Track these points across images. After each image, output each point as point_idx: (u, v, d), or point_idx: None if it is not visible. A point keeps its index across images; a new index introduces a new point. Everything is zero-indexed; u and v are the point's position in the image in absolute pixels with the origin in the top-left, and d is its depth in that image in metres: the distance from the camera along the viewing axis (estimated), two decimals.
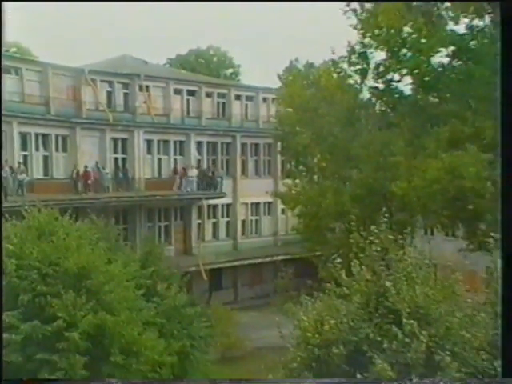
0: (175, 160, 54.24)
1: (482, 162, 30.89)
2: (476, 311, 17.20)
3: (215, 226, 57.37)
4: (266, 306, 44.37)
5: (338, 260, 18.45)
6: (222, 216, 57.76)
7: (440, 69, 34.79)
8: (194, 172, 52.85)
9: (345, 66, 36.57)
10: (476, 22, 34.10)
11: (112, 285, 25.17)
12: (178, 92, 55.37)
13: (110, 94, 51.04)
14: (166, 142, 53.96)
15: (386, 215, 21.52)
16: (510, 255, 10.64)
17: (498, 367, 15.95)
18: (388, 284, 17.30)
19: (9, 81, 44.30)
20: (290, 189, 44.15)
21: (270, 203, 58.74)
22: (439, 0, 33.64)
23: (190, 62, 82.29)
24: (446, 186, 31.48)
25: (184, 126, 54.97)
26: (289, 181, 46.75)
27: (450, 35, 34.30)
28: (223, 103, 58.37)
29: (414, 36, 34.22)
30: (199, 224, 55.61)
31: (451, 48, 34.41)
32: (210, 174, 54.39)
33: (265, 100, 60.48)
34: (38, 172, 45.94)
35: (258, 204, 59.73)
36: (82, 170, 46.19)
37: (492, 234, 20.29)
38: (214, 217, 57.26)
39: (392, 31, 33.91)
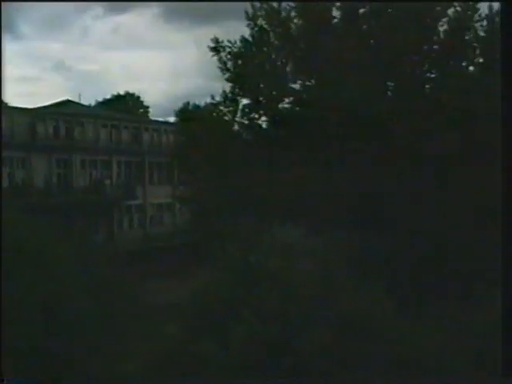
0: (101, 173, 53.93)
1: (318, 176, 31.87)
2: (310, 274, 17.79)
3: (131, 220, 57.16)
4: (170, 276, 44.36)
5: (217, 242, 18.77)
6: (136, 213, 57.54)
7: (284, 111, 35.72)
8: (107, 182, 53.07)
9: (221, 107, 36.80)
10: (306, 82, 35.44)
11: (61, 261, 24.95)
12: (104, 125, 55.06)
13: (55, 128, 50.53)
14: (95, 161, 53.59)
15: (252, 211, 22.09)
16: (510, 256, 9.57)
17: (323, 311, 16.57)
18: (251, 258, 17.76)
19: None
20: (183, 193, 44.30)
21: (170, 203, 58.66)
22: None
23: (113, 104, 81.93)
24: (293, 192, 32.12)
25: (108, 150, 54.63)
26: (183, 187, 46.94)
27: (292, 89, 35.37)
28: (136, 133, 58.13)
29: (267, 89, 35.02)
30: (120, 219, 55.39)
31: (291, 98, 35.44)
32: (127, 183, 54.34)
33: (166, 131, 60.57)
34: (5, 183, 45.67)
35: (161, 204, 59.70)
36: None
37: (318, 223, 21.09)
38: (130, 213, 57.00)
39: (252, 85, 34.56)
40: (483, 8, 35.32)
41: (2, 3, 10.97)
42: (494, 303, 17.32)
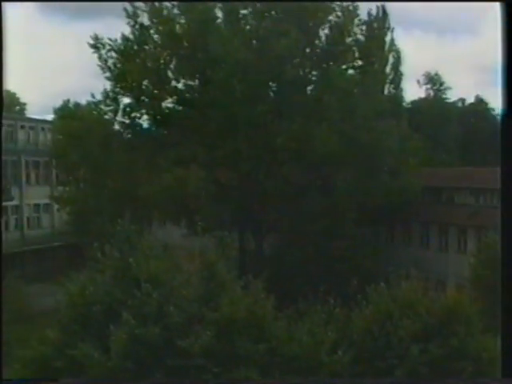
0: None
1: (200, 176, 32.02)
2: (191, 275, 17.85)
3: (7, 222, 55.19)
4: (47, 280, 43.09)
5: (96, 244, 18.47)
6: (12, 214, 55.63)
7: (167, 111, 35.69)
8: None
9: (102, 106, 36.24)
10: (189, 82, 35.60)
11: None
12: None
13: None
14: None
15: (132, 212, 21.91)
16: (510, 260, 9.43)
17: (205, 311, 16.71)
18: (131, 260, 17.62)
19: None
20: (62, 194, 43.29)
21: (48, 204, 57.06)
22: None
23: None
24: (175, 192, 32.13)
25: None
26: (61, 188, 45.89)
27: (175, 89, 35.37)
28: (11, 131, 56.25)
29: (150, 87, 34.82)
30: None
31: (174, 98, 35.47)
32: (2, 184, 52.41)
33: (43, 129, 59.00)
34: None
35: (38, 205, 57.98)
36: None
37: (200, 223, 21.21)
38: (6, 215, 55.06)
39: (134, 84, 34.22)
40: (363, 13, 36.87)
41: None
42: (367, 299, 18.10)
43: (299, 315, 17.89)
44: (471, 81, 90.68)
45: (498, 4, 10.03)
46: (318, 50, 35.80)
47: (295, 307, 18.05)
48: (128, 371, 16.36)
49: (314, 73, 36.82)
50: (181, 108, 35.92)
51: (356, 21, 35.86)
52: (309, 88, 37.28)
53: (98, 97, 35.78)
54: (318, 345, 17.03)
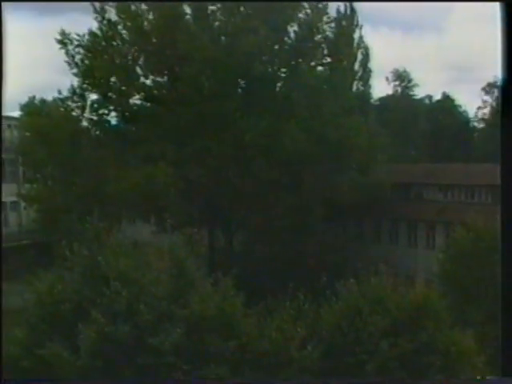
0: None
1: (169, 173, 31.83)
2: (160, 273, 17.78)
3: None
4: (15, 278, 42.53)
5: (64, 242, 18.30)
6: None
7: (135, 107, 35.50)
8: None
9: (69, 102, 35.86)
10: (158, 78, 35.42)
11: None
12: None
13: None
14: None
15: (101, 209, 21.74)
16: (510, 259, 9.63)
17: (175, 308, 16.65)
18: (100, 258, 17.49)
19: None
20: (29, 191, 42.74)
21: (15, 202, 56.39)
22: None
23: None
24: (143, 189, 31.87)
25: None
26: (29, 185, 45.30)
27: (143, 85, 35.18)
28: None
29: (118, 83, 34.56)
30: None
31: (142, 94, 35.26)
32: None
33: (9, 126, 58.18)
34: None
35: (5, 203, 57.28)
36: None
37: (168, 221, 21.11)
38: None
39: (102, 80, 33.95)
40: (331, 11, 37.00)
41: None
42: (337, 295, 18.18)
43: (268, 312, 17.89)
44: (438, 78, 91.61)
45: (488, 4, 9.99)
46: (286, 47, 35.84)
47: (264, 304, 18.05)
48: (98, 370, 16.26)
49: (283, 70, 36.86)
50: (149, 105, 35.77)
51: (325, 18, 35.94)
52: (278, 85, 37.33)
53: (65, 93, 35.52)
54: (287, 341, 17.06)
